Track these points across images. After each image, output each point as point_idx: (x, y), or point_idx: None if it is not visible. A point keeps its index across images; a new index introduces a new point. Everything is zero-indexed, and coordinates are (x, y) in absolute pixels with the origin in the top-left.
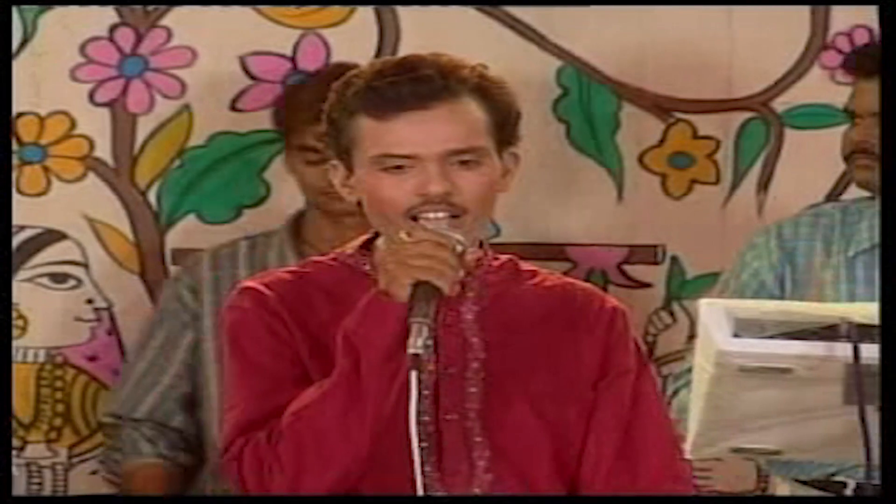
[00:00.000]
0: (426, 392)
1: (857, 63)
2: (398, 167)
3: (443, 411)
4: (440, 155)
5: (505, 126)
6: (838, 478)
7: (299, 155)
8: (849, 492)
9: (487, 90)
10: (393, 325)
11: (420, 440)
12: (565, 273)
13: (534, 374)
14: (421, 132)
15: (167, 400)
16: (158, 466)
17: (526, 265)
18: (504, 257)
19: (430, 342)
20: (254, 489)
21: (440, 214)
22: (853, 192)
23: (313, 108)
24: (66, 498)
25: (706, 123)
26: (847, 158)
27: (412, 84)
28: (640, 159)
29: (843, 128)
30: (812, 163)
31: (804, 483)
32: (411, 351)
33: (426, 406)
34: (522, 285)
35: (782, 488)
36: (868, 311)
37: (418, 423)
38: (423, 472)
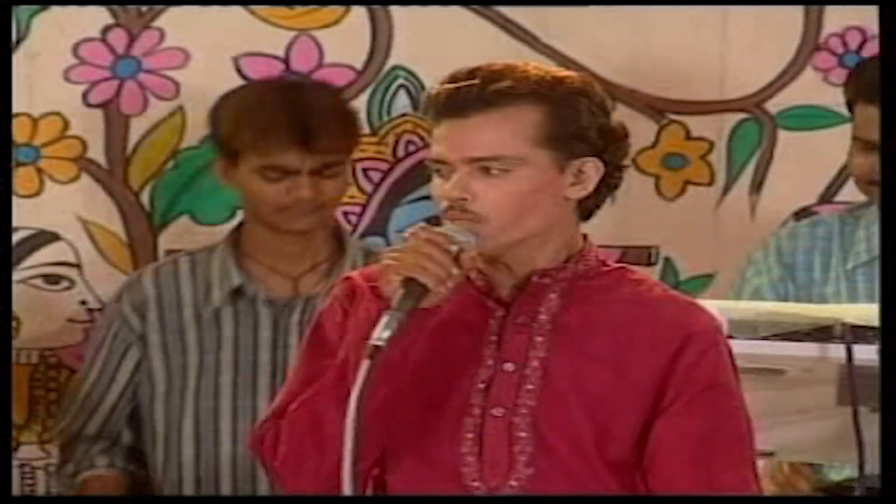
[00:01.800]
0: (481, 385)
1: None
2: (438, 171)
3: (490, 405)
4: (462, 161)
5: (564, 135)
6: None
7: (258, 172)
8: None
9: (544, 98)
10: (374, 317)
11: (467, 431)
12: None
13: (595, 379)
14: (451, 139)
15: (115, 418)
16: (113, 477)
17: (637, 274)
18: (615, 265)
19: (394, 334)
20: (269, 472)
21: (465, 219)
22: (846, 194)
23: (284, 129)
24: (67, 498)
25: (699, 125)
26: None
27: (455, 93)
28: (634, 160)
29: (836, 129)
30: (805, 164)
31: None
32: (372, 341)
33: (479, 399)
34: (617, 293)
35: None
36: (861, 312)
37: (358, 410)
38: (464, 463)
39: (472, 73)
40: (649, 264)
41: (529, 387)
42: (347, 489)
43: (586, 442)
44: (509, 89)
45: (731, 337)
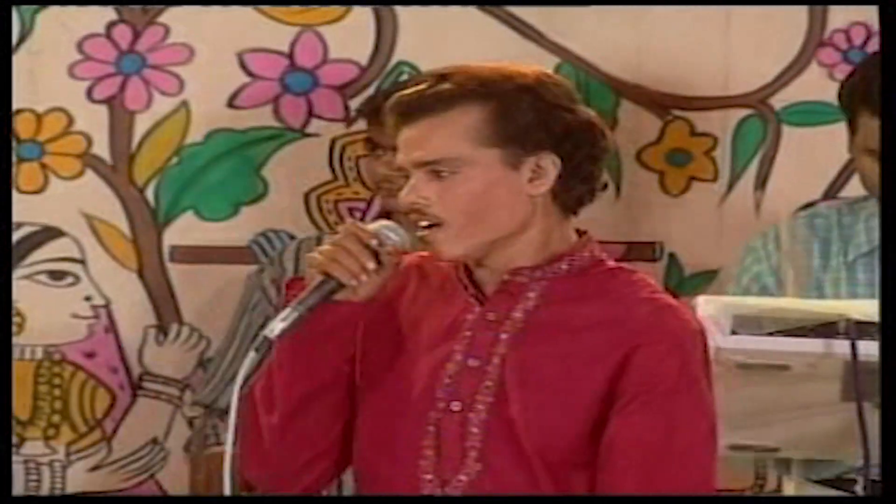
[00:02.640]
0: (447, 381)
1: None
2: (405, 177)
3: (452, 399)
4: (415, 167)
5: (515, 132)
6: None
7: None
8: (858, 489)
9: (485, 96)
10: None
11: (429, 424)
12: None
13: (550, 378)
14: (405, 146)
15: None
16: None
17: (633, 275)
18: (613, 264)
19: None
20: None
21: (423, 223)
22: (850, 189)
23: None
24: (66, 498)
25: (704, 121)
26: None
27: (404, 101)
28: (638, 156)
29: (840, 125)
30: (809, 160)
31: (815, 482)
32: (264, 332)
33: (444, 393)
34: (599, 293)
35: (790, 488)
36: (866, 308)
37: (239, 403)
38: (423, 456)
39: (423, 78)
40: (653, 260)
41: (488, 383)
42: (227, 480)
43: (529, 445)
44: (451, 91)
45: (735, 332)
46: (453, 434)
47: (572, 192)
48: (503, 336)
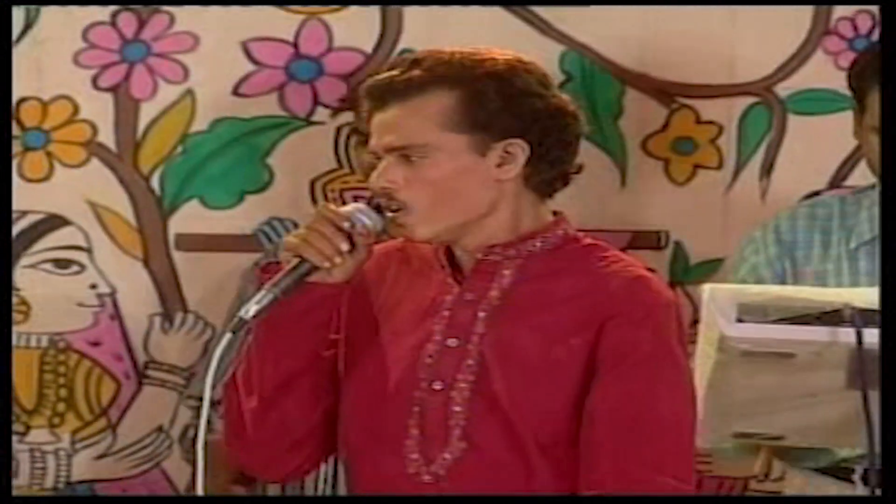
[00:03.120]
0: (428, 360)
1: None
2: (378, 160)
3: (434, 378)
4: (385, 151)
5: (483, 118)
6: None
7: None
8: (856, 477)
9: (457, 83)
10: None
11: (413, 405)
12: None
13: (530, 353)
14: (376, 130)
15: None
16: None
17: (605, 251)
18: (587, 241)
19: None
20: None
21: (391, 207)
22: (856, 178)
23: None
24: (66, 497)
25: (709, 109)
26: None
27: (376, 86)
28: (643, 145)
29: (846, 113)
30: (815, 148)
31: (814, 470)
32: (239, 314)
33: (426, 373)
34: (573, 268)
35: (794, 477)
36: (871, 296)
37: (212, 384)
38: (408, 436)
39: (395, 64)
40: (659, 248)
41: (469, 362)
42: (199, 462)
43: (515, 420)
44: (420, 78)
45: (740, 320)
46: (437, 413)
47: (543, 176)
48: (481, 314)
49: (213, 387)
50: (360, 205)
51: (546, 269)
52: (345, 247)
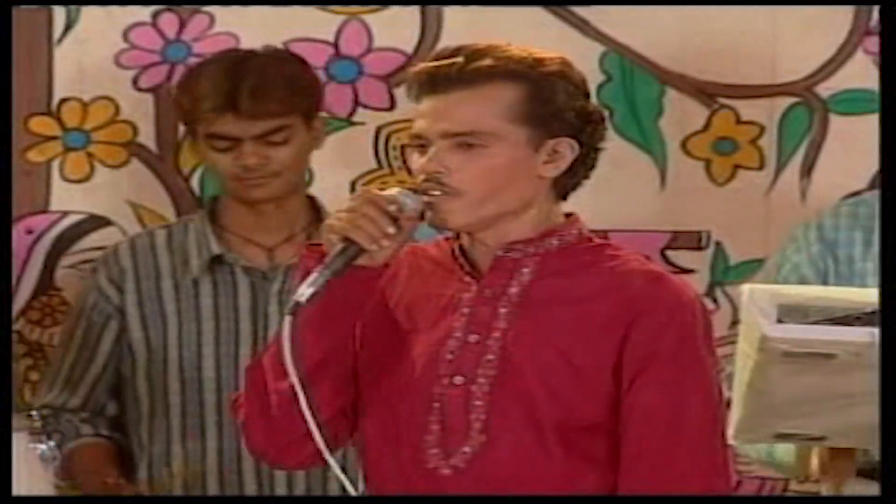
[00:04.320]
0: (449, 356)
1: None
2: (420, 146)
3: (455, 374)
4: (440, 136)
5: (541, 114)
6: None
7: (207, 143)
8: None
9: (522, 77)
10: (307, 274)
11: (433, 401)
12: None
13: (554, 350)
14: (430, 115)
15: (99, 391)
16: (100, 445)
17: (619, 250)
18: (600, 241)
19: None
20: (240, 425)
21: (436, 192)
22: None
23: (219, 96)
24: (67, 498)
25: (750, 109)
26: None
27: (435, 70)
28: (684, 145)
29: None
30: (856, 148)
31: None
32: (294, 297)
33: (447, 369)
34: (591, 266)
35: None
36: None
37: (296, 367)
38: (428, 431)
39: (455, 52)
40: (699, 249)
41: (490, 357)
42: (320, 443)
43: (540, 413)
44: (489, 68)
45: (780, 321)
46: (457, 407)
47: (575, 178)
48: (502, 311)
49: (300, 375)
50: (401, 188)
51: (563, 266)
52: (391, 230)
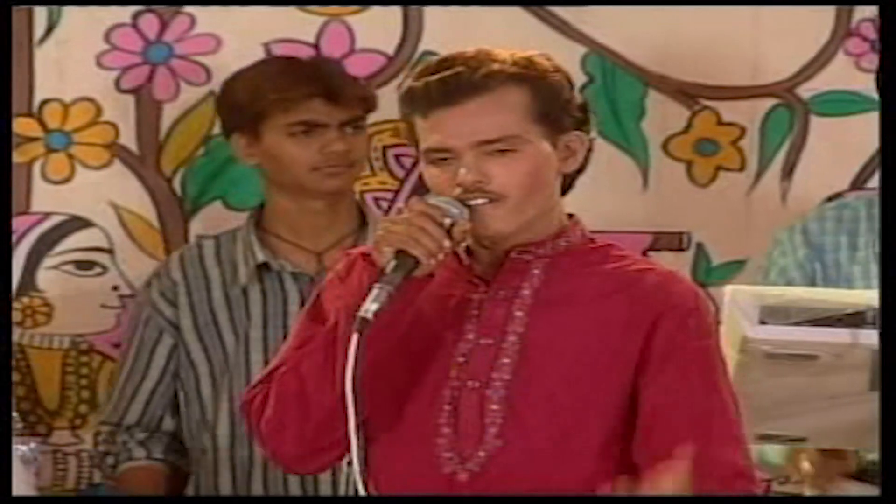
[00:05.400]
0: (461, 359)
1: None
2: (442, 159)
3: (468, 377)
4: (471, 146)
5: (552, 111)
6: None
7: (288, 132)
8: None
9: (528, 78)
10: (365, 286)
11: (445, 403)
12: None
13: (573, 350)
14: (451, 127)
15: (154, 405)
16: (150, 469)
17: (623, 251)
18: (602, 242)
19: (383, 307)
20: (255, 434)
21: (479, 201)
22: (878, 180)
23: (309, 83)
24: (67, 498)
25: (731, 110)
26: None
27: (441, 83)
28: (665, 146)
29: (868, 115)
30: (837, 150)
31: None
32: (360, 314)
33: (458, 372)
34: (600, 267)
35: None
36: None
37: (354, 383)
38: (440, 434)
39: (448, 63)
40: (681, 250)
41: (505, 360)
42: (357, 461)
43: (558, 416)
44: (496, 73)
45: (763, 322)
46: (471, 411)
47: (579, 173)
48: (518, 313)
49: (355, 392)
50: (444, 198)
51: (573, 267)
52: (447, 243)
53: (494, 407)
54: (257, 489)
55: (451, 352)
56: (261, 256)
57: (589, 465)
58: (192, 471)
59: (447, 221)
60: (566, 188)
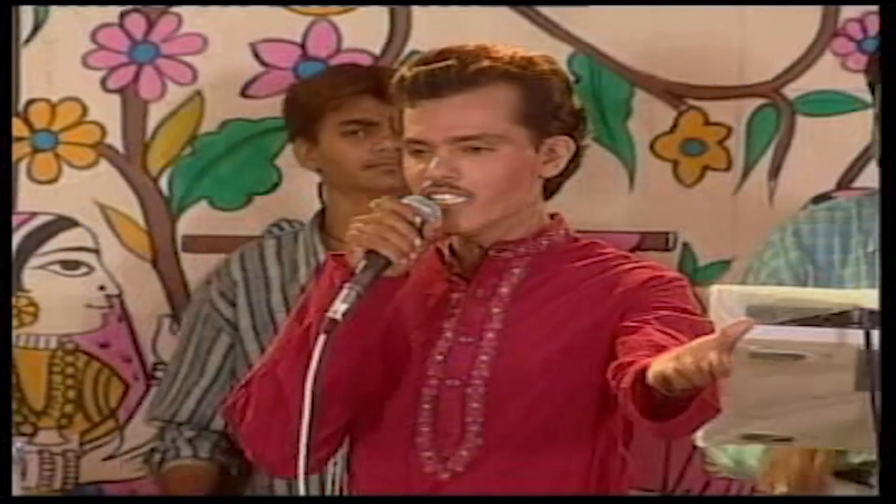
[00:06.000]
0: (439, 357)
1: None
2: (419, 151)
3: (447, 376)
4: (446, 140)
5: (539, 114)
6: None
7: (339, 132)
8: (873, 480)
9: (520, 77)
10: (336, 287)
11: (424, 402)
12: None
13: (550, 344)
14: (432, 120)
15: (206, 404)
16: (196, 468)
17: (606, 248)
18: (586, 240)
19: (352, 307)
20: (238, 436)
21: (446, 197)
22: (864, 179)
23: (360, 81)
24: (66, 498)
25: (718, 110)
26: None
27: (430, 74)
28: (652, 146)
29: (854, 114)
30: (824, 149)
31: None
32: (329, 314)
33: (437, 370)
34: (579, 262)
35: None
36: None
37: (315, 384)
38: (419, 433)
39: (444, 55)
40: (667, 250)
41: (484, 358)
42: (302, 461)
43: (539, 411)
44: (487, 69)
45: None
46: (451, 410)
47: (563, 177)
48: (495, 311)
49: (314, 392)
50: (417, 196)
51: (553, 266)
52: (418, 242)
53: (475, 405)
54: (313, 491)
55: (430, 351)
56: (323, 257)
57: (571, 459)
58: (248, 471)
59: (418, 220)
60: (553, 191)
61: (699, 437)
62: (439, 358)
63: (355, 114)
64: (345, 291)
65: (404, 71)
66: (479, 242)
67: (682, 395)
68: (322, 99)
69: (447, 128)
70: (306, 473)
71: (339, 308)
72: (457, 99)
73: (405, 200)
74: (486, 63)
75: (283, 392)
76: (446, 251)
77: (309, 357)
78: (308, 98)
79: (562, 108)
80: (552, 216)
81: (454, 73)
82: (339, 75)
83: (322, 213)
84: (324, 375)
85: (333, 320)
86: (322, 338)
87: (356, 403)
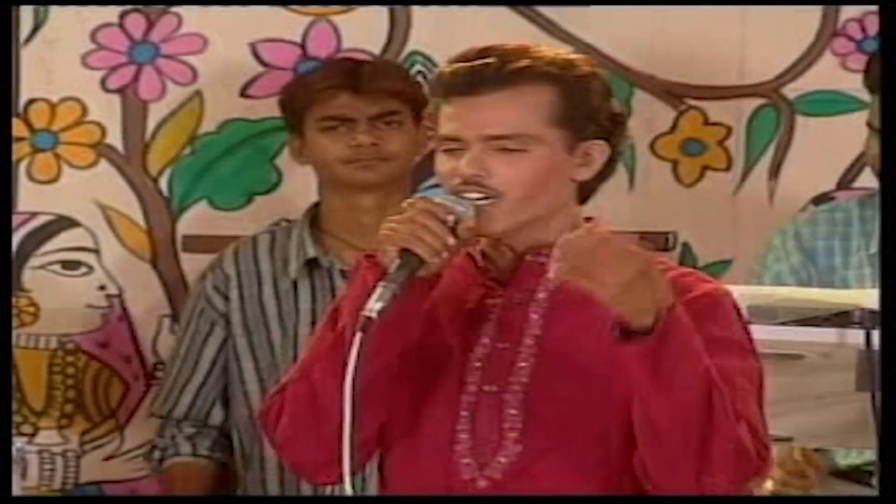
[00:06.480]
0: (477, 364)
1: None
2: (452, 149)
3: (484, 382)
4: (479, 139)
5: (576, 116)
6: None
7: (319, 127)
8: (875, 481)
9: (559, 78)
10: (369, 287)
11: (462, 409)
12: None
13: (590, 349)
14: (466, 117)
15: (203, 398)
16: (196, 465)
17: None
18: None
19: (386, 306)
20: (272, 443)
21: (473, 195)
22: (864, 179)
23: (337, 76)
24: (66, 498)
25: (718, 110)
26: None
27: (469, 71)
28: (652, 146)
29: (854, 114)
30: (823, 149)
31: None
32: (364, 313)
33: (475, 377)
34: None
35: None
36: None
37: (353, 384)
38: (457, 440)
39: (485, 52)
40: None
41: (522, 364)
42: (346, 465)
43: (578, 418)
44: (526, 69)
45: (749, 323)
46: (490, 416)
47: (599, 181)
48: (533, 316)
49: (354, 391)
50: (450, 195)
51: None
52: (451, 241)
53: (513, 412)
54: (306, 490)
55: (467, 357)
56: (311, 252)
57: (610, 467)
58: (244, 468)
59: (451, 219)
60: (588, 194)
61: None
62: (477, 364)
63: (330, 110)
64: (379, 290)
65: (444, 67)
66: (512, 246)
67: None
68: (303, 94)
69: (481, 125)
70: (353, 473)
71: (374, 307)
72: (493, 97)
73: (438, 199)
74: (525, 62)
75: (318, 396)
76: (478, 256)
77: (344, 358)
78: (293, 94)
79: (599, 112)
80: (588, 220)
81: (492, 70)
82: (319, 72)
83: (314, 210)
84: (361, 375)
85: (369, 318)
86: (358, 336)
87: (391, 408)
